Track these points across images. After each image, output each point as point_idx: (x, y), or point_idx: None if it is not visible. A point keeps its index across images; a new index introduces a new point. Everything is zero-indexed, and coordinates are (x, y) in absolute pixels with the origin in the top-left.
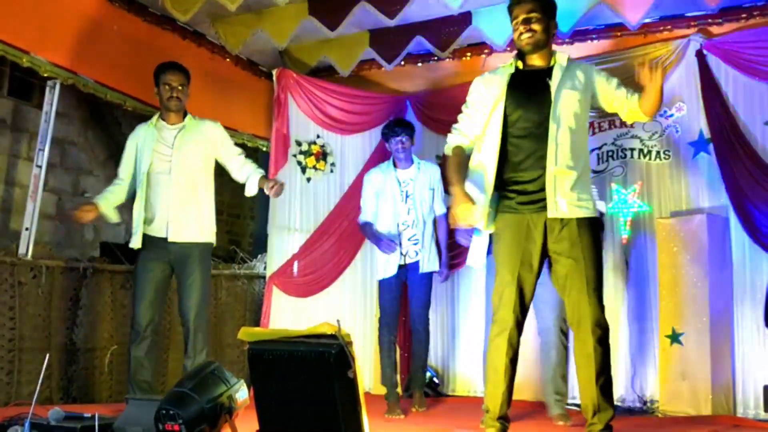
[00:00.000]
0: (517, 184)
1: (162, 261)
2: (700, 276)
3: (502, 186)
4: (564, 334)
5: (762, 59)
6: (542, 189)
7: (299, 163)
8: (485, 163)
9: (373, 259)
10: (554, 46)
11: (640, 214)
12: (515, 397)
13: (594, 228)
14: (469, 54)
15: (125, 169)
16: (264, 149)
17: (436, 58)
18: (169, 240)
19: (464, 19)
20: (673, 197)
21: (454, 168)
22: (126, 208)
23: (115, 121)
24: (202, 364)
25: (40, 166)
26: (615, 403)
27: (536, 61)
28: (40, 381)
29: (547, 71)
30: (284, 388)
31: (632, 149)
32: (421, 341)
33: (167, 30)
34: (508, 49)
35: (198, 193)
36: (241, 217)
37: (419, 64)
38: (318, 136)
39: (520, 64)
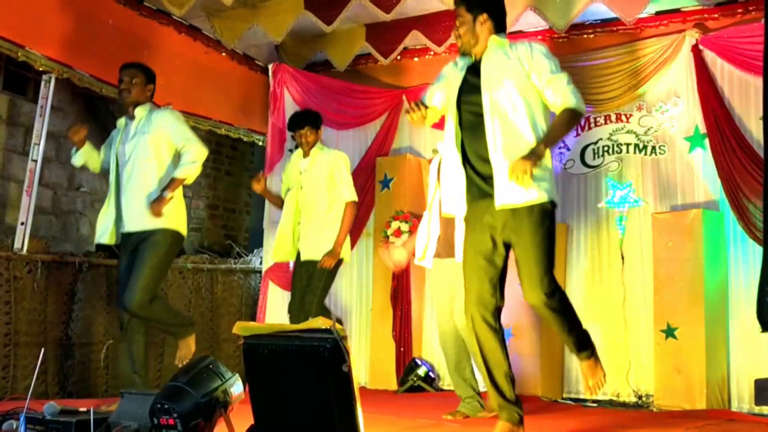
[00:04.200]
0: (474, 173)
1: (127, 253)
2: (695, 270)
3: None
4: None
5: (757, 54)
6: (491, 177)
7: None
8: (451, 154)
9: (369, 254)
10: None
11: (635, 209)
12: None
13: (537, 213)
14: None
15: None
16: (260, 143)
17: (432, 52)
18: (125, 231)
19: None
20: (668, 192)
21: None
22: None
23: (110, 115)
24: (197, 359)
25: (36, 161)
26: (610, 397)
27: (478, 53)
28: (35, 375)
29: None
30: (279, 382)
31: (628, 144)
32: None
33: (163, 24)
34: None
35: (149, 180)
36: (237, 212)
37: (415, 59)
38: None
39: (471, 60)
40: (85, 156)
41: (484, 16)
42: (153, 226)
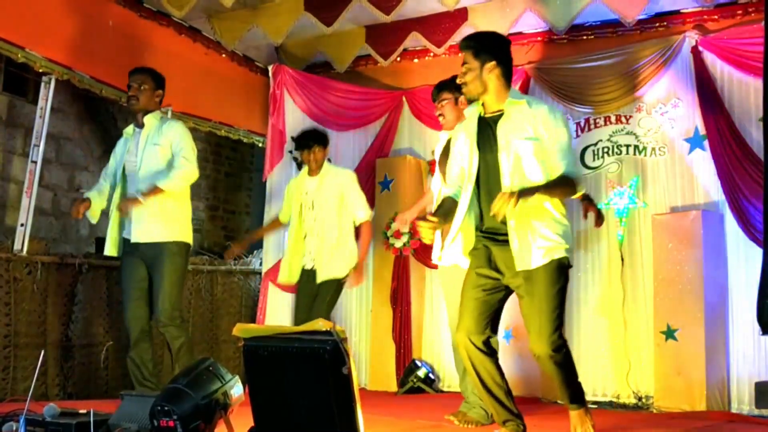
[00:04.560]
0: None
1: (135, 265)
2: (695, 272)
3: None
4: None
5: (757, 55)
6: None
7: (295, 159)
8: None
9: (369, 255)
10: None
11: (635, 210)
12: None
13: (553, 270)
14: None
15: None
16: (260, 145)
17: (432, 54)
18: (132, 241)
19: (460, 15)
20: (668, 193)
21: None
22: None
23: (110, 116)
24: (197, 361)
25: (36, 162)
26: (610, 398)
27: (490, 105)
28: (35, 377)
29: (497, 118)
30: (279, 384)
31: (627, 145)
32: None
33: (163, 26)
34: None
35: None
36: (237, 213)
37: (415, 60)
38: None
39: (482, 110)
40: (98, 208)
41: (492, 63)
42: (165, 238)
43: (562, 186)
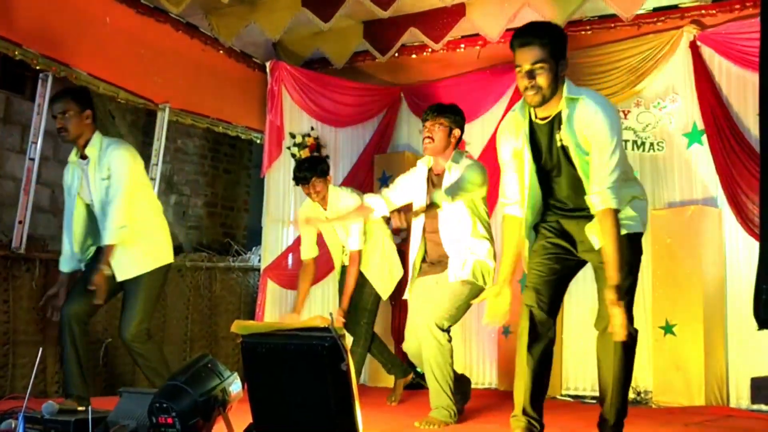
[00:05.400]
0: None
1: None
2: (694, 267)
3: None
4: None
5: (755, 50)
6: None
7: (293, 155)
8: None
9: None
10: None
11: None
12: (505, 388)
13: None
14: (463, 46)
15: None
16: (258, 141)
17: (429, 49)
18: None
19: (458, 10)
20: (666, 188)
21: (504, 252)
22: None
23: (107, 113)
24: (195, 358)
25: (33, 159)
26: None
27: (544, 110)
28: (33, 374)
29: (554, 120)
30: (278, 381)
31: (626, 141)
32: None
33: (160, 22)
34: (502, 40)
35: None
36: (236, 210)
37: (413, 56)
38: (312, 129)
39: (533, 114)
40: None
41: (564, 61)
42: (146, 269)
43: (618, 233)
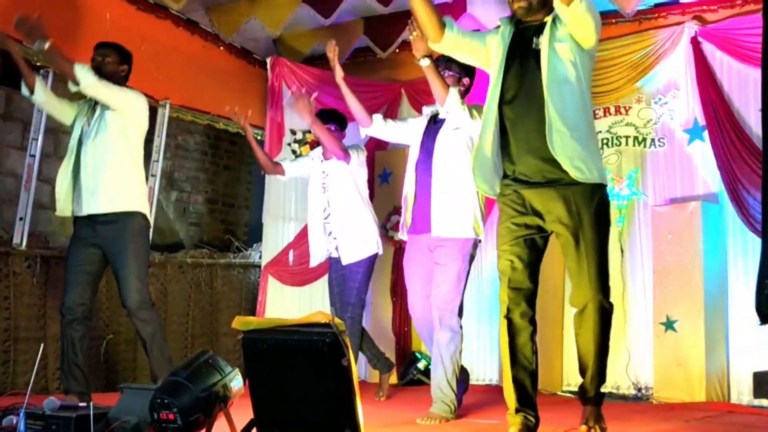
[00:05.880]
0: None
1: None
2: (695, 263)
3: None
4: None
5: (756, 46)
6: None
7: (294, 151)
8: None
9: None
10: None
11: (634, 202)
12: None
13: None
14: None
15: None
16: (258, 138)
17: None
18: (84, 214)
19: (459, 5)
20: (667, 184)
21: None
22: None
23: None
24: (196, 354)
25: (34, 156)
26: (610, 390)
27: (530, 20)
28: (35, 371)
29: (539, 28)
30: (279, 376)
31: (627, 137)
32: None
33: (161, 18)
34: None
35: (111, 159)
36: (236, 206)
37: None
38: None
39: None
40: (45, 97)
41: None
42: (118, 208)
43: None
